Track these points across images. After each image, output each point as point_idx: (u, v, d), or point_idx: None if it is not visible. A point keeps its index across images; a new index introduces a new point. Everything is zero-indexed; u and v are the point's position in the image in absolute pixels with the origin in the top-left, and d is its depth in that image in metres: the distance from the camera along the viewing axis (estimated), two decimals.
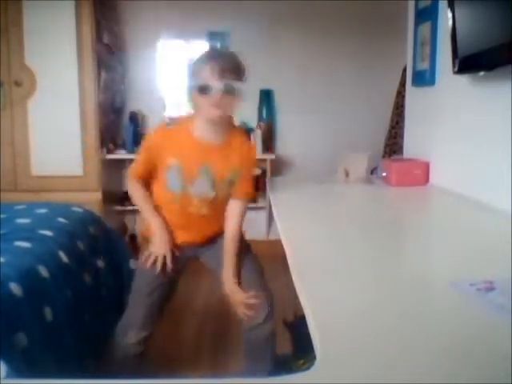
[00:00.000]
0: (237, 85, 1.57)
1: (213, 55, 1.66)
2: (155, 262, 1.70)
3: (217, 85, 1.54)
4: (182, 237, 1.77)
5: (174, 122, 1.78)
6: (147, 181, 1.76)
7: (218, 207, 1.75)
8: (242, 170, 1.73)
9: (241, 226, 1.78)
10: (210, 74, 1.54)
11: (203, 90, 1.56)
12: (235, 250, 1.75)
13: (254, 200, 1.82)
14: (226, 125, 1.70)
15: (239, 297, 1.71)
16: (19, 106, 3.17)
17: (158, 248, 1.71)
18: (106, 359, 1.81)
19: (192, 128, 1.67)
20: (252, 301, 1.70)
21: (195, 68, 1.60)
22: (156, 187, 1.76)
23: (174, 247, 1.74)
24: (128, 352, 1.73)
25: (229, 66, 1.57)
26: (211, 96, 1.55)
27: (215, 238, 1.81)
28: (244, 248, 1.81)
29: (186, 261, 1.85)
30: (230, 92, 1.56)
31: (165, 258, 1.71)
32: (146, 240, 1.78)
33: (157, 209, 1.74)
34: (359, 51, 3.92)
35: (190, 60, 1.65)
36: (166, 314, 1.85)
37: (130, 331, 1.73)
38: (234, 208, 1.76)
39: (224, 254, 1.75)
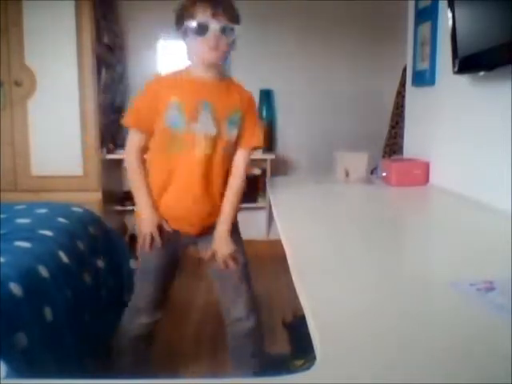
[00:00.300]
0: (231, 27, 1.55)
1: None
2: (147, 241, 1.68)
3: (213, 25, 1.51)
4: (178, 219, 1.70)
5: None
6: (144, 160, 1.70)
7: (221, 151, 1.66)
8: (245, 114, 1.69)
9: (244, 179, 1.73)
10: (205, 14, 1.51)
11: (199, 30, 1.52)
12: (235, 201, 1.71)
13: (264, 147, 1.78)
14: (223, 70, 1.68)
15: (227, 247, 1.69)
16: (19, 106, 3.17)
17: (144, 227, 1.67)
18: (110, 353, 1.82)
19: (188, 72, 1.64)
20: (238, 256, 1.71)
21: (187, 8, 1.55)
22: (153, 144, 1.67)
23: (164, 226, 1.69)
24: (139, 333, 1.75)
25: (224, 7, 1.54)
26: (207, 37, 1.52)
27: (212, 225, 1.73)
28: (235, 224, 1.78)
29: (184, 247, 1.82)
30: (226, 34, 1.54)
31: (153, 237, 1.67)
32: (137, 217, 1.74)
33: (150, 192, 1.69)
34: (359, 51, 3.92)
35: (177, 4, 1.60)
36: (167, 313, 1.85)
37: (140, 314, 1.74)
38: (239, 157, 1.71)
39: (223, 205, 1.70)
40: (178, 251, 1.79)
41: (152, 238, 1.68)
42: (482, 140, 1.72)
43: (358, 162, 2.23)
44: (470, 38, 1.62)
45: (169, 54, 3.80)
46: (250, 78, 4.13)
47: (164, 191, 1.68)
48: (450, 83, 1.94)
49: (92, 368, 1.79)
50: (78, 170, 3.25)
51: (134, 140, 1.69)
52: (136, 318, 1.75)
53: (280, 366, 2.05)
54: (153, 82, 1.68)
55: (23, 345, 1.39)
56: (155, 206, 1.68)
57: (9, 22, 3.08)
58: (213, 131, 1.63)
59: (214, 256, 1.72)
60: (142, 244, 1.69)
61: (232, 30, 1.56)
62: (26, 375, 1.27)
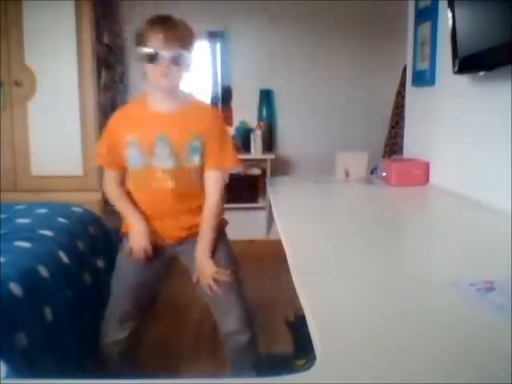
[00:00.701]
0: (184, 54, 1.55)
1: (159, 22, 1.57)
2: (135, 255, 1.67)
3: (163, 53, 1.52)
4: (158, 230, 1.71)
5: (133, 100, 1.79)
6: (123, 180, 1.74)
7: (185, 181, 1.66)
8: (209, 136, 1.65)
9: (219, 199, 1.69)
10: (157, 41, 1.52)
11: (150, 58, 1.53)
12: (212, 223, 1.68)
13: (239, 167, 1.74)
14: (180, 94, 1.68)
15: (209, 271, 1.66)
16: (19, 106, 3.17)
17: (136, 242, 1.67)
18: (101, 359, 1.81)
19: (148, 102, 1.66)
20: (221, 276, 1.66)
21: (141, 35, 1.56)
22: (128, 179, 1.73)
23: (154, 240, 1.70)
24: (110, 351, 1.72)
25: (175, 34, 1.54)
26: (159, 65, 1.53)
27: (194, 234, 1.71)
28: (221, 232, 1.75)
29: (169, 260, 1.81)
30: (177, 61, 1.54)
31: (145, 250, 1.67)
32: (125, 236, 1.74)
33: (135, 206, 1.72)
34: (359, 51, 3.92)
35: (135, 29, 1.62)
36: (165, 314, 1.84)
37: (108, 329, 1.72)
38: (208, 180, 1.69)
39: (201, 226, 1.68)
40: (163, 265, 1.79)
41: (145, 252, 1.68)
42: (482, 140, 1.72)
43: (358, 162, 2.23)
44: (470, 38, 1.62)
45: None
46: (250, 78, 4.12)
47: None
48: (450, 83, 1.94)
49: (92, 368, 1.79)
50: (78, 170, 3.25)
51: (110, 176, 1.75)
52: (107, 331, 1.73)
53: (282, 365, 2.05)
54: (111, 121, 1.72)
55: (23, 345, 1.39)
56: (146, 221, 1.70)
57: (9, 22, 3.08)
58: (169, 164, 1.63)
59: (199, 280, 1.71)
60: (131, 256, 1.69)
61: (184, 57, 1.56)
62: (25, 375, 1.28)
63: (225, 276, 1.67)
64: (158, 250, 1.71)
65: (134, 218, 1.70)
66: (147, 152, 1.62)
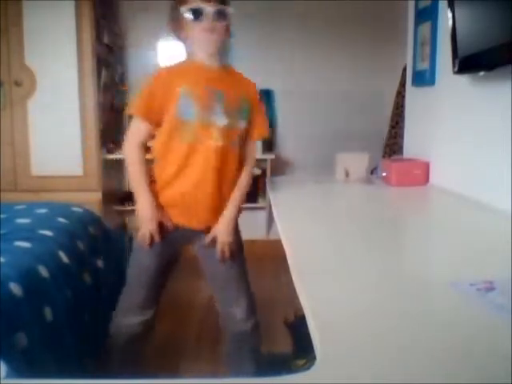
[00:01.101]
0: (227, 9, 1.56)
1: None
2: (141, 239, 1.64)
3: (207, 9, 1.52)
4: (183, 212, 1.66)
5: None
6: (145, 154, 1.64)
7: (232, 143, 1.63)
8: (252, 104, 1.68)
9: (251, 171, 1.74)
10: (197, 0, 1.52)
11: (194, 15, 1.53)
12: (244, 193, 1.71)
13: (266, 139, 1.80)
14: (224, 58, 1.67)
15: (227, 238, 1.68)
16: (19, 106, 3.17)
17: (144, 224, 1.63)
18: (106, 349, 1.81)
19: (194, 60, 1.62)
20: (233, 249, 1.69)
21: None
22: (161, 135, 1.61)
23: (165, 223, 1.65)
24: (127, 333, 1.70)
25: None
26: (202, 22, 1.53)
27: (217, 221, 1.69)
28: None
29: (185, 243, 1.78)
30: (220, 17, 1.55)
31: (152, 235, 1.63)
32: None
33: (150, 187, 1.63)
34: (359, 51, 3.92)
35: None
36: (167, 312, 1.84)
37: (131, 312, 1.71)
38: (248, 149, 1.70)
39: (233, 192, 1.68)
40: (176, 249, 1.77)
41: (151, 236, 1.63)
42: (482, 140, 1.72)
43: (358, 162, 2.23)
44: (470, 38, 1.62)
45: (169, 54, 3.80)
46: (250, 78, 4.12)
47: (171, 183, 1.63)
48: (450, 83, 1.94)
49: (92, 368, 1.79)
50: (78, 170, 3.25)
51: (138, 130, 1.62)
52: (125, 317, 1.71)
53: (281, 365, 2.05)
54: (161, 70, 1.67)
55: (23, 345, 1.39)
56: (156, 202, 1.63)
57: (9, 22, 3.08)
58: (225, 122, 1.59)
59: (213, 242, 1.69)
60: (141, 242, 1.64)
61: (225, 13, 1.56)
62: (26, 375, 1.28)
63: (240, 254, 1.72)
64: (169, 233, 1.66)
65: (144, 197, 1.61)
66: (202, 106, 1.56)
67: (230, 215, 1.69)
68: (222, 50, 1.64)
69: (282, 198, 1.92)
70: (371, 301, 0.89)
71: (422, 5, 2.24)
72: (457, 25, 1.66)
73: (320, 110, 3.97)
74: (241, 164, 1.70)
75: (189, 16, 1.54)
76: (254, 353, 1.81)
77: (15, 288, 1.47)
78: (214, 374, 2.14)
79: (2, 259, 1.58)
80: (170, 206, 1.66)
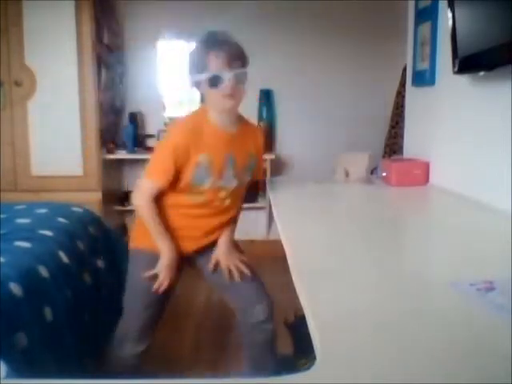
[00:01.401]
0: (244, 72, 1.55)
1: (216, 42, 1.54)
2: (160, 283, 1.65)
3: (227, 75, 1.49)
4: (188, 246, 1.72)
5: (189, 115, 1.71)
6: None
7: (238, 197, 1.75)
8: (259, 154, 1.76)
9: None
10: (217, 64, 1.50)
11: (214, 81, 1.50)
12: (237, 220, 1.81)
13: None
14: (237, 113, 1.68)
15: (233, 256, 1.73)
16: (19, 106, 3.17)
17: (164, 274, 1.63)
18: (105, 362, 1.80)
19: (209, 119, 1.61)
20: (242, 263, 1.73)
21: (199, 57, 1.53)
22: (172, 196, 1.65)
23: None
24: (124, 363, 1.70)
25: (235, 53, 1.53)
26: (222, 87, 1.51)
27: (214, 242, 1.76)
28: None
29: (182, 269, 1.79)
30: (239, 80, 1.53)
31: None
32: (138, 250, 1.72)
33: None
34: (359, 51, 3.92)
35: (190, 50, 1.60)
36: (167, 316, 1.84)
37: (126, 344, 1.70)
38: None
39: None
40: (177, 275, 1.76)
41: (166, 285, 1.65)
42: (482, 140, 1.72)
43: (358, 161, 2.23)
44: (470, 38, 1.62)
45: (169, 54, 3.81)
46: (250, 78, 4.11)
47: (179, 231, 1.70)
48: (450, 83, 1.94)
49: (92, 368, 1.79)
50: (78, 170, 3.25)
51: (151, 190, 1.62)
52: (124, 345, 1.70)
53: (282, 365, 2.05)
54: (180, 136, 1.59)
55: (23, 345, 1.39)
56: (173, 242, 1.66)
57: (9, 22, 3.08)
58: (233, 184, 1.67)
59: (217, 266, 1.74)
60: (157, 287, 1.64)
61: (245, 74, 1.56)
62: (26, 375, 1.27)
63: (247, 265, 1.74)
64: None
65: (167, 244, 1.64)
66: (216, 173, 1.61)
67: (228, 235, 1.77)
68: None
69: (281, 198, 1.92)
70: (371, 301, 0.89)
71: (421, 5, 2.24)
72: (457, 25, 1.66)
73: (320, 110, 3.97)
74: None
75: (208, 81, 1.52)
76: (275, 356, 1.82)
77: (15, 288, 1.47)
78: (214, 374, 2.14)
79: (2, 259, 1.58)
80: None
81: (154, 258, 1.64)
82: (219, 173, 1.61)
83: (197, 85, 1.57)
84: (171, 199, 1.65)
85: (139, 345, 1.70)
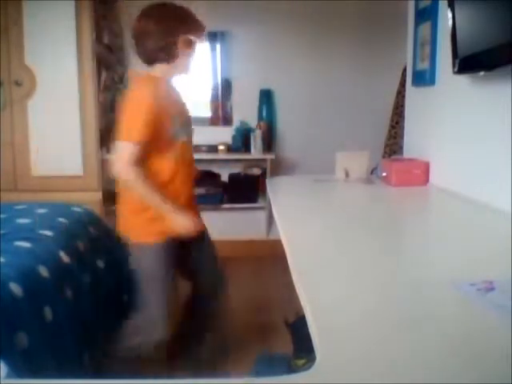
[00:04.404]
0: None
1: (192, 13, 1.87)
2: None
3: (204, 40, 1.88)
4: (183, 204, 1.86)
5: (143, 77, 1.86)
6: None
7: (191, 150, 1.95)
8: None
9: None
10: (201, 33, 1.84)
11: (195, 47, 1.82)
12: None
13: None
14: None
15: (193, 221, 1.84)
16: (19, 106, 3.17)
17: (184, 223, 1.79)
18: (114, 357, 1.82)
19: (165, 81, 1.84)
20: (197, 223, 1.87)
21: (188, 24, 1.81)
22: (156, 160, 1.76)
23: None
24: (146, 354, 1.80)
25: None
26: (195, 53, 1.81)
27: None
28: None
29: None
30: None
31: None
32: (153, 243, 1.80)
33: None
34: (359, 51, 3.92)
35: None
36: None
37: (156, 331, 1.79)
38: None
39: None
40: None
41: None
42: (482, 140, 1.72)
43: (358, 161, 2.23)
44: (470, 38, 1.62)
45: None
46: (250, 77, 4.11)
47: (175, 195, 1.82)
48: (450, 83, 1.94)
49: (92, 368, 1.78)
50: (78, 170, 3.25)
51: (133, 153, 1.65)
52: (154, 333, 1.79)
53: (282, 365, 2.05)
54: (152, 98, 1.69)
55: (23, 345, 1.39)
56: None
57: (9, 22, 3.08)
58: (190, 136, 1.92)
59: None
60: (189, 227, 1.80)
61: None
62: (25, 375, 1.28)
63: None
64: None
65: (172, 210, 1.77)
66: (184, 126, 1.84)
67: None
68: None
69: (281, 198, 1.92)
70: (371, 301, 0.89)
71: (422, 5, 2.24)
72: (457, 25, 1.66)
73: (320, 110, 3.97)
74: None
75: (194, 46, 1.81)
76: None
77: (15, 288, 1.47)
78: (214, 375, 2.14)
79: (2, 259, 1.58)
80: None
81: (161, 247, 1.78)
82: (185, 126, 1.85)
83: (173, 52, 1.77)
84: (154, 164, 1.75)
85: (167, 331, 1.82)
